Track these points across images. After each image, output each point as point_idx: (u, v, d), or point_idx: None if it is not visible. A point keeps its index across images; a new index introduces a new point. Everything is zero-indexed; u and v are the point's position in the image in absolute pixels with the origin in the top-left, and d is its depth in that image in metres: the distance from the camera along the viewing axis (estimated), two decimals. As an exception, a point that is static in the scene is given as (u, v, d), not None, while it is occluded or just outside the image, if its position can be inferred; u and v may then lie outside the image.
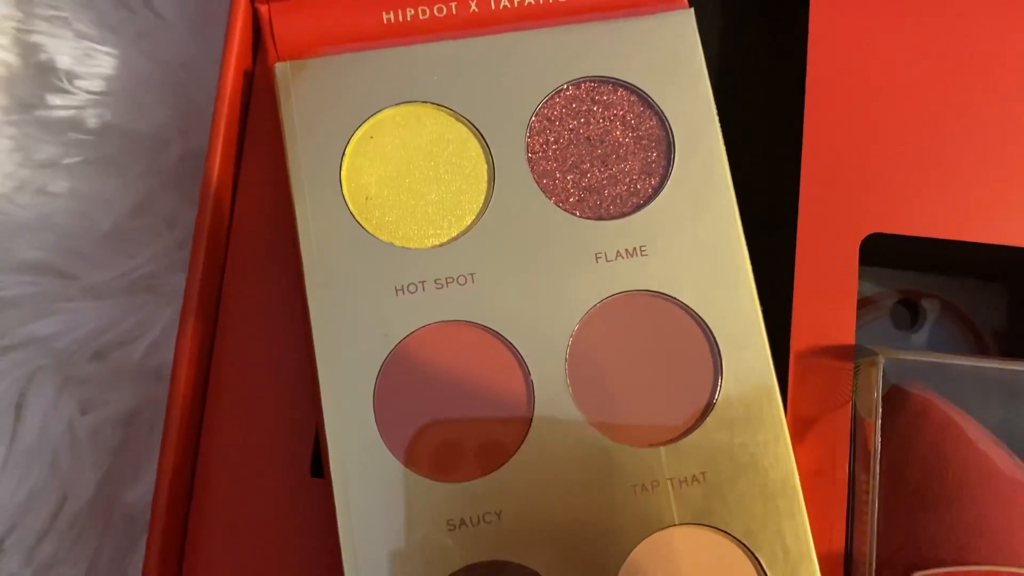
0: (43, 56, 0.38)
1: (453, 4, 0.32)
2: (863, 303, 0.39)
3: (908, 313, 0.39)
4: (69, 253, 0.37)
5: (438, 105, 0.31)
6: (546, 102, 0.31)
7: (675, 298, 0.30)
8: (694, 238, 0.30)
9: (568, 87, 0.31)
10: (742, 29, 0.38)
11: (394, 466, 0.28)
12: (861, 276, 0.32)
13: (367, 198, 0.30)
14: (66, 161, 0.38)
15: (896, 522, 0.29)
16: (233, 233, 0.33)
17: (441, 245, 0.30)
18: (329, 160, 0.30)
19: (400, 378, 0.29)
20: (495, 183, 0.30)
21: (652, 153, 0.31)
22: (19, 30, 0.39)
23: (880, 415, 0.30)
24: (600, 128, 0.31)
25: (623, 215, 0.30)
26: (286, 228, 0.31)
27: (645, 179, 0.31)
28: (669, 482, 0.28)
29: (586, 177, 0.31)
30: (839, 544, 0.30)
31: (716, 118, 0.31)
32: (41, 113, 0.38)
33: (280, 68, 0.30)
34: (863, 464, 0.30)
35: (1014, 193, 0.32)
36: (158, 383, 0.37)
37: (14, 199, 0.38)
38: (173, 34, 0.39)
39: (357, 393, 0.28)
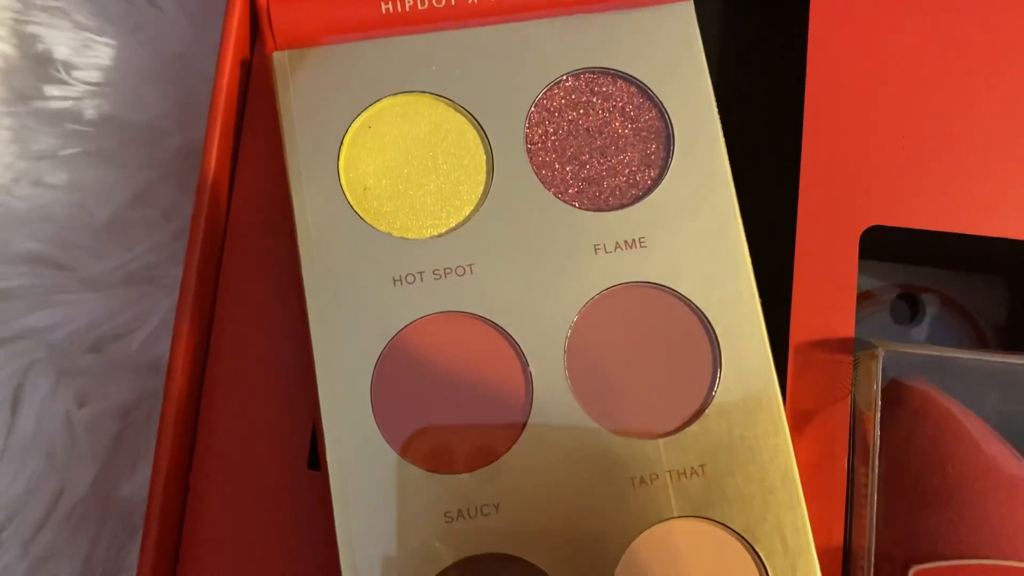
0: (41, 47, 0.38)
1: (452, -6, 0.32)
2: (863, 297, 0.39)
3: (908, 307, 0.39)
4: (66, 245, 0.37)
5: (437, 95, 0.31)
6: (545, 93, 0.31)
7: (674, 290, 0.29)
8: (693, 230, 0.30)
9: (567, 78, 0.31)
10: (742, 21, 0.38)
11: (391, 458, 0.28)
12: (861, 270, 0.32)
13: (365, 188, 0.30)
14: (64, 152, 0.38)
15: (895, 516, 0.29)
16: (230, 224, 0.33)
17: (439, 236, 0.30)
18: (327, 150, 0.30)
19: (397, 370, 0.28)
20: (494, 174, 0.30)
21: (651, 145, 0.31)
22: (17, 21, 0.39)
23: (879, 408, 0.29)
24: (599, 119, 0.31)
25: (622, 206, 0.30)
26: (284, 219, 0.30)
27: (644, 170, 0.30)
28: (668, 475, 0.28)
29: (585, 168, 0.30)
30: (838, 537, 0.30)
31: (715, 110, 0.31)
32: (39, 104, 0.38)
33: (278, 58, 0.30)
34: (862, 458, 0.30)
35: (1014, 186, 0.32)
36: (155, 375, 0.37)
37: (11, 190, 0.37)
38: (171, 25, 0.39)
39: (354, 385, 0.28)
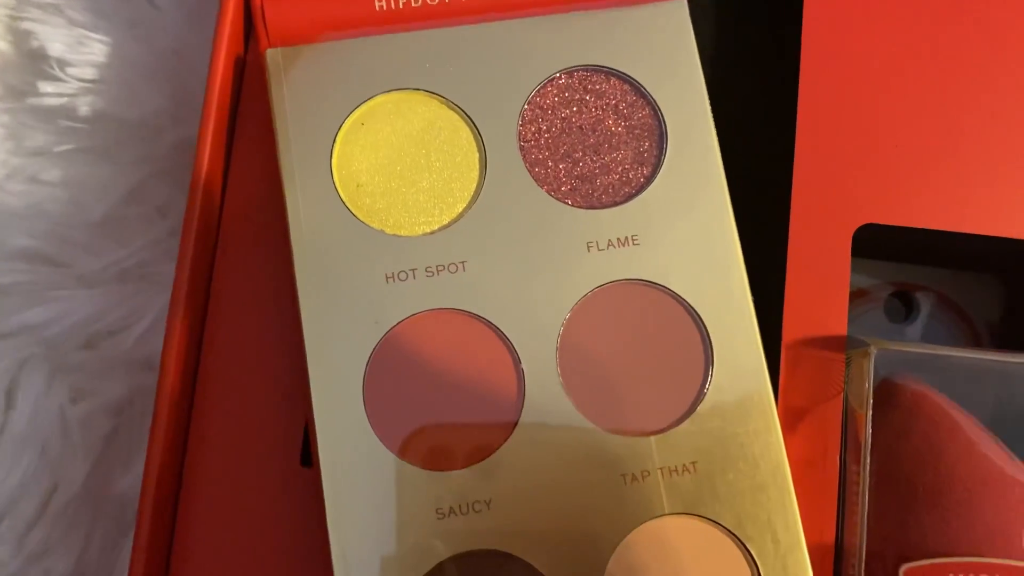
0: (35, 43, 0.38)
1: (446, -8, 0.32)
2: (857, 295, 0.39)
3: (902, 305, 0.39)
4: (61, 241, 0.37)
5: (430, 92, 0.31)
6: (539, 90, 0.31)
7: (667, 287, 0.29)
8: (686, 228, 0.30)
9: (561, 76, 0.31)
10: (736, 19, 0.38)
11: (383, 455, 0.28)
12: (855, 269, 0.32)
13: (358, 185, 0.30)
14: (58, 149, 0.38)
15: (887, 514, 0.29)
16: (224, 221, 0.33)
17: (432, 233, 0.30)
18: (320, 147, 0.30)
19: (390, 366, 0.28)
20: (487, 171, 0.30)
21: (644, 143, 0.31)
22: (11, 17, 0.39)
23: (871, 406, 0.29)
24: (592, 117, 0.31)
25: (615, 204, 0.30)
26: (277, 216, 0.31)
27: (637, 168, 0.31)
28: (660, 472, 0.28)
29: (578, 166, 0.30)
30: (830, 535, 0.30)
31: (709, 108, 0.31)
32: (33, 101, 0.38)
33: (271, 55, 0.30)
34: (854, 455, 0.30)
35: (1009, 184, 0.32)
36: (149, 372, 0.37)
37: (6, 187, 0.38)
38: (166, 22, 0.39)
39: (347, 381, 0.28)
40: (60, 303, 0.36)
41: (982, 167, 0.32)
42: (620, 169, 0.30)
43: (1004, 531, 0.28)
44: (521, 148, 0.30)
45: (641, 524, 0.28)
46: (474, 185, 0.30)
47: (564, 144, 0.31)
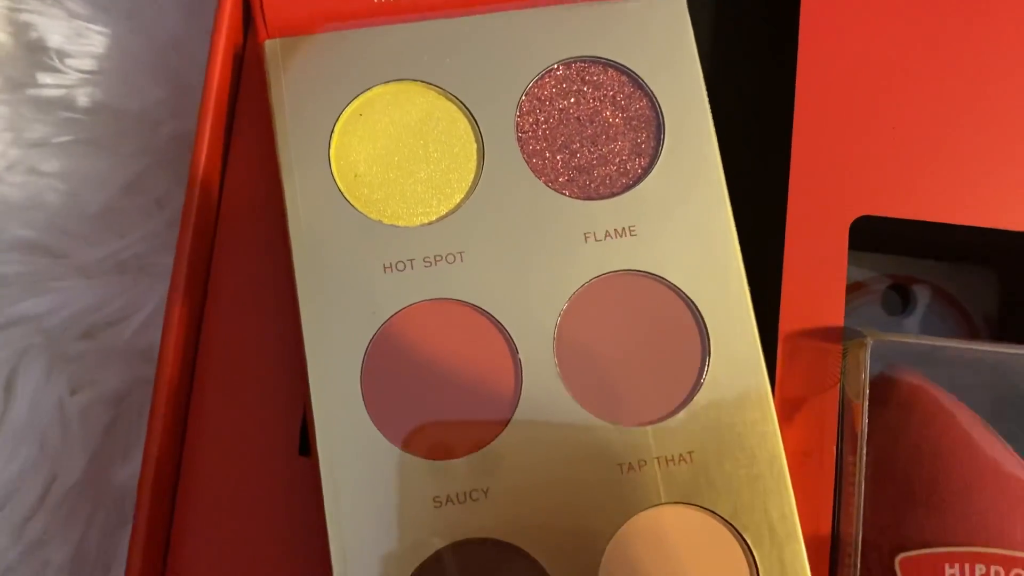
0: (34, 35, 0.38)
1: (444, -17, 0.32)
2: (854, 288, 0.39)
3: (899, 298, 0.39)
4: (59, 232, 0.37)
5: (428, 83, 0.31)
6: (536, 82, 0.31)
7: (664, 278, 0.30)
8: (683, 219, 0.30)
9: (559, 67, 0.31)
10: (734, 11, 0.38)
11: (381, 444, 0.28)
12: (852, 262, 0.32)
13: (356, 176, 0.30)
14: (57, 140, 0.38)
15: (883, 505, 0.29)
16: (222, 212, 0.33)
17: (430, 223, 0.30)
18: (318, 138, 0.30)
19: (388, 356, 0.29)
20: (484, 162, 0.30)
21: (642, 134, 0.31)
22: (10, 9, 0.39)
23: (867, 397, 0.30)
24: (590, 108, 0.31)
25: (612, 195, 0.30)
26: (275, 207, 0.31)
27: (635, 159, 0.31)
28: (656, 461, 0.28)
29: (576, 157, 0.31)
30: (826, 525, 0.30)
31: (706, 99, 0.31)
32: (32, 92, 0.38)
33: (270, 46, 0.30)
34: (850, 446, 0.30)
35: (1006, 176, 0.32)
36: (148, 363, 0.37)
37: (4, 178, 0.38)
38: (165, 13, 0.39)
39: (345, 371, 0.28)
40: (59, 294, 0.36)
41: (980, 159, 0.32)
42: (617, 160, 0.31)
43: (999, 524, 0.28)
44: (519, 139, 0.30)
45: (637, 513, 0.28)
46: (472, 176, 0.30)
47: (562, 135, 0.31)
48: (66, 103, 0.38)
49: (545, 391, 0.29)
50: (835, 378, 0.31)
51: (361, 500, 0.28)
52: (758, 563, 0.28)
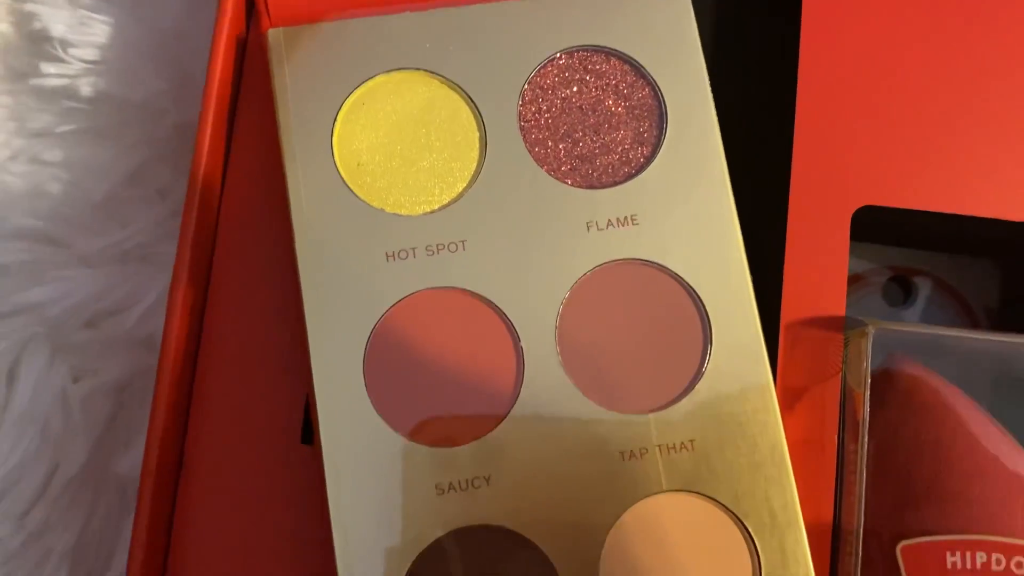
0: (38, 25, 0.38)
1: (447, -28, 0.32)
2: (855, 280, 0.39)
3: (900, 290, 0.39)
4: (62, 221, 0.37)
5: (431, 72, 0.31)
6: (539, 71, 0.31)
7: (666, 267, 0.30)
8: (686, 208, 0.30)
9: (561, 56, 0.31)
10: (736, 1, 0.38)
11: (383, 431, 0.28)
12: (853, 253, 0.32)
13: (358, 164, 0.30)
14: (60, 130, 0.38)
15: (884, 493, 0.30)
16: (224, 202, 0.33)
17: (432, 212, 0.30)
18: (321, 126, 0.30)
19: (390, 344, 0.29)
20: (487, 151, 0.30)
21: (644, 123, 0.31)
22: (14, -1, 0.39)
23: (869, 386, 0.30)
24: (592, 97, 0.31)
25: (615, 184, 0.30)
26: (277, 195, 0.31)
27: (637, 148, 0.31)
28: (658, 449, 0.28)
29: (578, 146, 0.31)
30: (827, 513, 0.30)
31: (709, 89, 0.31)
32: (35, 82, 0.38)
33: (273, 35, 0.30)
34: (852, 435, 0.30)
35: (1008, 167, 0.32)
36: (151, 352, 0.37)
37: (8, 167, 0.38)
38: (168, 3, 0.39)
39: (347, 359, 0.28)
40: (61, 283, 0.37)
41: (981, 150, 0.32)
42: (620, 149, 0.31)
43: (1000, 513, 0.28)
44: (521, 128, 0.30)
45: (639, 501, 0.28)
46: (474, 164, 0.30)
47: (564, 124, 0.31)
48: (69, 93, 0.38)
49: (547, 379, 0.29)
50: (837, 367, 0.31)
51: (364, 488, 0.28)
52: (759, 550, 0.28)
